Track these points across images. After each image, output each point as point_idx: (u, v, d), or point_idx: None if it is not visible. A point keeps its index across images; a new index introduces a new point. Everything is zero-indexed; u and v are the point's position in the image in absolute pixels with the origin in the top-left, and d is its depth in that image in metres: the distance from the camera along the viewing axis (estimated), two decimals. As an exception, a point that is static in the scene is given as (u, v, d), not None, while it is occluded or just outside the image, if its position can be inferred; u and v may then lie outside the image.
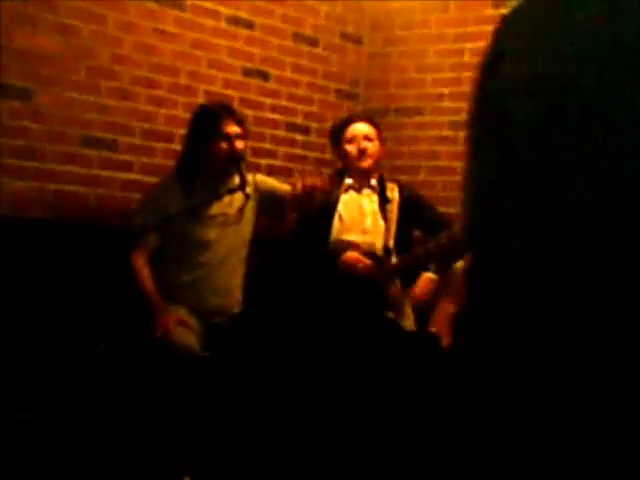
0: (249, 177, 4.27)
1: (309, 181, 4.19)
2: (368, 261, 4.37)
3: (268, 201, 4.38)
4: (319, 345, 4.15)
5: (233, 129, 4.18)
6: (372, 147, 4.52)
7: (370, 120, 4.62)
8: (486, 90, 1.47)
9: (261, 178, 4.47)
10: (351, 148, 4.52)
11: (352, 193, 4.58)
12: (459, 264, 4.09)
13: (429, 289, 4.39)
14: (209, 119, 4.20)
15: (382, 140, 4.61)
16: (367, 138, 4.52)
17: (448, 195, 5.55)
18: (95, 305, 4.32)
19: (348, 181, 4.59)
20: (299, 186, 4.18)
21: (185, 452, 3.94)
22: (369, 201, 4.55)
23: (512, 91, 1.37)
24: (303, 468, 3.96)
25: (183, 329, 4.04)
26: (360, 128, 4.54)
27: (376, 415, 3.93)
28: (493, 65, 1.43)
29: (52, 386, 4.08)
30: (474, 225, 1.52)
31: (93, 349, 4.15)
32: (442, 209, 5.19)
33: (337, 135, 4.60)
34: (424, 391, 3.75)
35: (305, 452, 3.99)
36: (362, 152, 4.50)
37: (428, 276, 4.40)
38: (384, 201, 4.49)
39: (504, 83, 1.39)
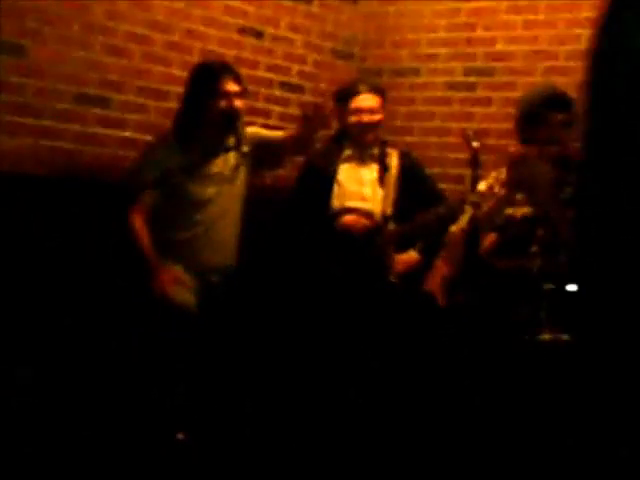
0: (243, 133, 4.26)
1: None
2: (367, 222, 4.39)
3: (263, 152, 4.34)
4: (317, 306, 4.16)
5: (232, 87, 4.16)
6: (376, 120, 4.51)
7: (376, 90, 4.58)
8: None
9: (252, 130, 4.42)
10: (354, 120, 4.49)
11: (352, 163, 4.57)
12: (454, 227, 4.10)
13: (409, 267, 4.41)
14: (208, 77, 4.17)
15: (384, 107, 4.60)
16: (371, 111, 4.50)
17: (442, 155, 5.55)
18: (91, 263, 4.31)
19: (347, 152, 4.57)
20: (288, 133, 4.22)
21: (180, 409, 3.96)
22: (369, 170, 4.54)
23: None
24: (297, 431, 3.98)
25: (180, 287, 4.05)
26: (366, 101, 4.50)
27: (376, 380, 3.96)
28: None
29: (49, 343, 4.08)
30: None
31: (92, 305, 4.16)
32: (436, 170, 5.21)
33: (341, 102, 4.57)
34: (424, 352, 3.77)
35: (301, 415, 4.01)
36: (365, 126, 4.48)
37: (412, 255, 4.44)
38: (384, 169, 4.49)
39: None
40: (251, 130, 4.38)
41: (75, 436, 3.78)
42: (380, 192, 4.48)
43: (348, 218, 4.43)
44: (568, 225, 3.54)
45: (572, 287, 3.49)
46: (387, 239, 4.39)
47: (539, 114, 3.83)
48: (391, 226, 4.42)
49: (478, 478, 3.38)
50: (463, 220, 4.05)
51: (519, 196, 3.87)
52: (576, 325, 2.96)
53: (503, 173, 4.05)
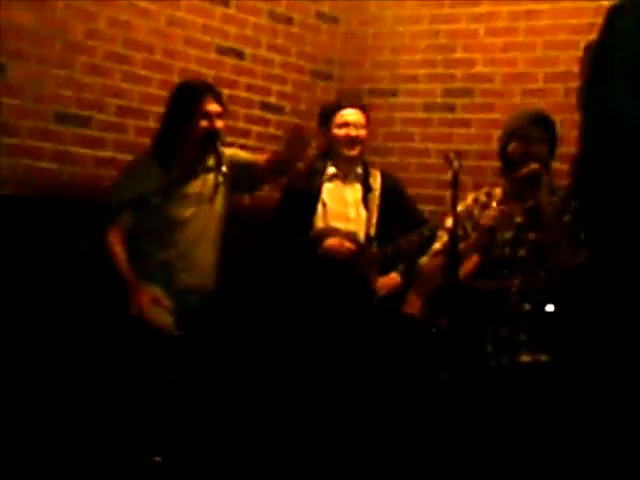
0: (223, 154, 4.24)
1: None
2: (351, 246, 4.39)
3: (241, 174, 4.31)
4: (299, 329, 4.16)
5: (214, 108, 4.15)
6: (362, 135, 4.52)
7: (361, 106, 4.62)
8: None
9: (232, 152, 4.39)
10: (341, 134, 4.50)
11: (336, 182, 4.57)
12: (425, 258, 4.11)
13: (391, 289, 4.42)
14: (190, 97, 4.16)
15: (368, 125, 4.62)
16: (358, 126, 4.51)
17: (422, 176, 5.57)
18: (68, 283, 4.28)
19: (331, 170, 4.57)
20: (268, 156, 4.21)
21: (157, 432, 3.93)
22: (352, 190, 4.55)
23: None
24: (277, 448, 3.97)
25: (157, 308, 4.02)
26: (352, 115, 4.52)
27: (359, 401, 3.96)
28: None
29: (24, 365, 4.05)
30: None
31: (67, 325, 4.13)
32: (415, 190, 5.22)
33: (326, 118, 4.57)
34: (405, 374, 3.77)
35: (280, 432, 4.00)
36: (352, 140, 4.49)
37: (394, 277, 4.44)
38: (367, 190, 4.49)
39: None
40: (229, 152, 4.34)
41: (50, 456, 3.74)
42: (364, 213, 4.48)
43: (331, 242, 4.42)
44: (566, 248, 3.58)
45: (550, 308, 3.51)
46: (370, 261, 4.39)
47: (517, 130, 3.89)
48: (374, 248, 4.43)
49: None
50: (434, 248, 4.07)
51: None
52: (557, 344, 2.97)
53: (482, 194, 4.07)
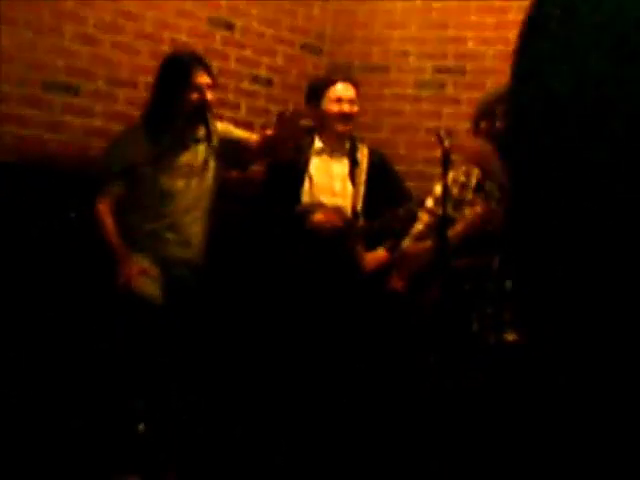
0: (214, 126, 4.23)
1: (269, 132, 4.16)
2: (338, 222, 4.39)
3: (232, 150, 4.29)
4: (286, 303, 4.16)
5: (204, 79, 4.13)
6: (355, 111, 4.50)
7: (354, 82, 4.57)
8: None
9: (225, 127, 4.37)
10: (334, 109, 4.47)
11: (323, 156, 4.55)
12: (407, 241, 4.11)
13: (377, 264, 4.41)
14: (181, 68, 4.13)
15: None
16: (351, 101, 4.48)
17: (410, 153, 5.57)
18: (56, 253, 4.27)
19: (319, 144, 4.55)
20: (260, 137, 4.16)
21: (142, 401, 3.94)
22: (339, 165, 4.53)
23: None
24: (262, 423, 3.99)
25: (146, 278, 4.01)
26: (346, 90, 4.48)
27: (347, 379, 3.97)
28: None
29: (11, 336, 4.04)
30: None
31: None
32: (404, 167, 5.21)
33: (317, 92, 4.52)
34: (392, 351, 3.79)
35: (266, 407, 4.02)
36: (346, 116, 4.47)
37: (380, 252, 4.44)
38: (354, 165, 4.48)
39: None
40: (222, 126, 4.32)
41: (38, 430, 3.75)
42: (350, 187, 4.47)
43: (318, 217, 4.41)
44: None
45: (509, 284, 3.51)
46: (356, 236, 4.39)
47: (484, 109, 3.89)
48: (361, 222, 4.42)
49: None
50: (417, 229, 4.07)
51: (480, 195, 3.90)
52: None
53: (460, 174, 4.07)
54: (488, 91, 4.60)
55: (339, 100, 4.47)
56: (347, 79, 4.56)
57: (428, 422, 3.46)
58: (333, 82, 4.51)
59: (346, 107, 4.47)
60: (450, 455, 3.40)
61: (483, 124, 3.88)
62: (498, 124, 3.79)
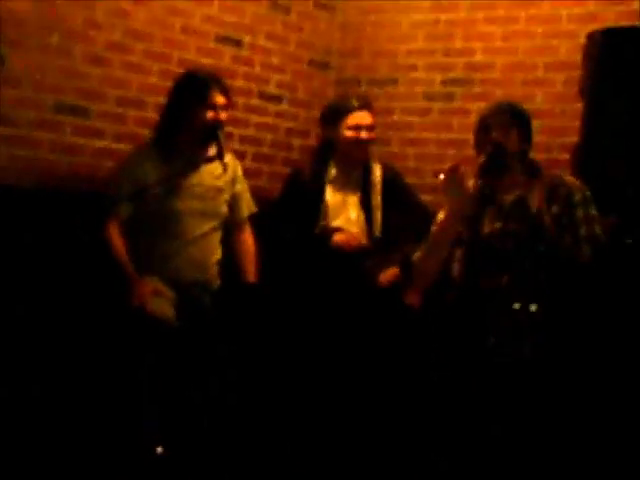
0: (228, 157, 4.23)
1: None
2: (357, 242, 4.40)
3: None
4: (305, 324, 4.15)
5: (220, 99, 4.12)
6: (373, 137, 4.48)
7: (369, 106, 4.52)
8: None
9: (238, 169, 4.41)
10: (352, 136, 4.44)
11: (338, 183, 4.52)
12: (417, 255, 4.09)
13: (392, 281, 4.40)
14: (197, 88, 4.11)
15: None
16: (369, 128, 4.46)
17: (420, 166, 5.56)
18: (67, 275, 4.26)
19: (333, 172, 4.52)
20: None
21: (157, 423, 3.92)
22: (354, 193, 4.52)
23: None
24: (274, 440, 3.97)
25: (159, 299, 3.99)
26: (364, 118, 4.44)
27: (365, 388, 3.97)
28: None
29: (23, 357, 4.03)
30: None
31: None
32: (414, 180, 5.20)
33: (335, 117, 4.49)
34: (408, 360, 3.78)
35: (282, 429, 4.00)
36: (363, 143, 4.45)
37: (395, 271, 4.42)
38: (368, 190, 4.48)
39: None
40: (237, 163, 4.41)
41: (49, 448, 3.74)
42: (365, 215, 4.48)
43: (339, 237, 4.41)
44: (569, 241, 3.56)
45: (533, 307, 3.49)
46: (375, 265, 4.40)
47: (482, 120, 3.86)
48: (378, 251, 4.43)
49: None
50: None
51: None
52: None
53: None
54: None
55: (357, 127, 4.44)
56: (365, 106, 4.50)
57: (441, 428, 3.46)
58: (351, 109, 4.45)
59: (364, 134, 4.44)
60: (459, 458, 3.40)
61: (478, 136, 3.87)
62: (494, 135, 3.77)
